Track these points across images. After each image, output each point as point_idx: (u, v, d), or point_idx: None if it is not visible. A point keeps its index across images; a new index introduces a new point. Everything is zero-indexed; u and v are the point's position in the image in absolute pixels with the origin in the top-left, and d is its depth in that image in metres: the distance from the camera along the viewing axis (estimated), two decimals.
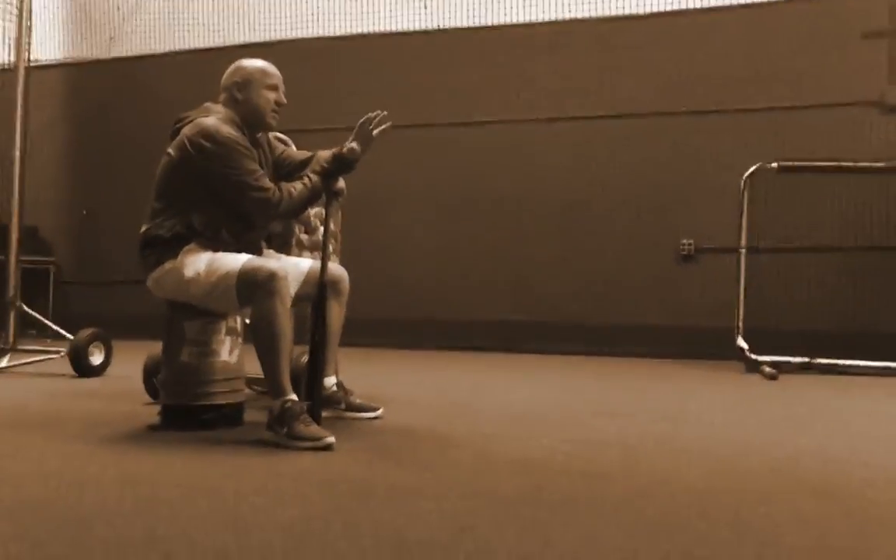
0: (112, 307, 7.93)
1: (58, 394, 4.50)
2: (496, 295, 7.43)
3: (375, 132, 3.52)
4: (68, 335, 5.43)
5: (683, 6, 7.01)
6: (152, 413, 3.55)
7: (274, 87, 3.46)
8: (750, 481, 2.63)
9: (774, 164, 6.32)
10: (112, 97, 8.65)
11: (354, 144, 3.46)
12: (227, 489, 2.40)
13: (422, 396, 4.49)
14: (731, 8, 6.89)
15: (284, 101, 3.49)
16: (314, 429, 3.04)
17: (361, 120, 3.51)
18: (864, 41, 6.55)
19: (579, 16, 7.30)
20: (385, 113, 3.53)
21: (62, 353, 5.30)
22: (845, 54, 6.60)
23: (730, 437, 3.40)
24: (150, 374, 4.03)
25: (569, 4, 7.33)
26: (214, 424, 3.33)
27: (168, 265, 3.28)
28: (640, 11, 7.13)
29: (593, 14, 7.26)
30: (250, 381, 3.96)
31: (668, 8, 7.05)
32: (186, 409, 3.35)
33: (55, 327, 5.76)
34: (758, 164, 6.32)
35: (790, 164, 6.33)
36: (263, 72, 3.47)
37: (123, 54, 8.62)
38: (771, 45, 6.78)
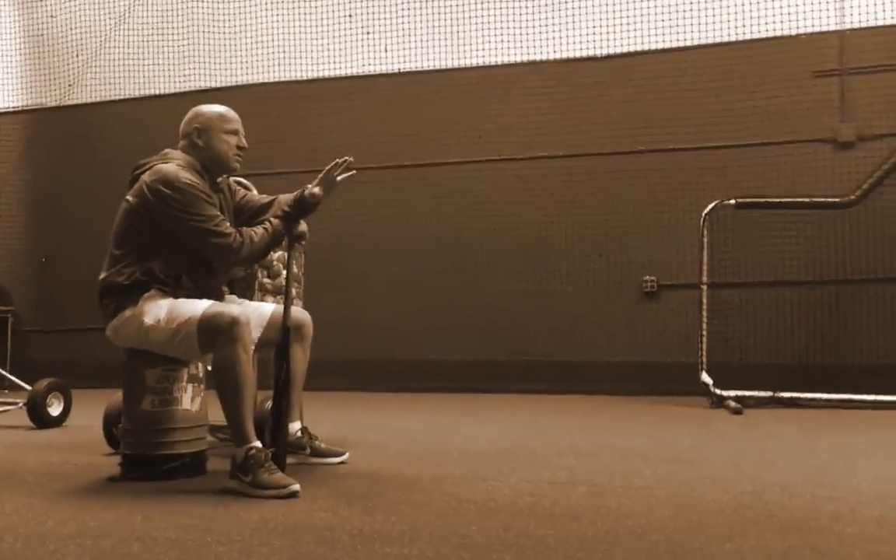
0: (72, 355, 7.79)
1: (15, 446, 4.40)
2: (460, 335, 7.40)
3: (340, 178, 3.53)
4: (26, 386, 5.32)
5: (640, 48, 7.12)
6: (112, 464, 3.49)
7: (234, 132, 3.46)
8: (717, 517, 2.63)
9: (732, 201, 6.43)
10: (71, 144, 8.56)
11: (317, 189, 3.46)
12: (190, 540, 2.36)
13: (387, 439, 4.46)
14: (687, 49, 7.00)
15: (245, 144, 3.50)
16: (278, 476, 3.00)
17: (328, 166, 3.51)
18: (816, 80, 6.70)
19: (538, 58, 7.39)
20: (351, 159, 3.53)
21: (20, 405, 5.19)
22: (798, 93, 6.74)
23: (696, 473, 3.41)
24: (110, 423, 3.95)
25: (527, 47, 7.42)
26: (176, 474, 3.27)
27: (127, 313, 3.24)
28: (599, 53, 7.23)
29: (552, 56, 7.35)
30: (213, 429, 3.90)
31: (626, 50, 7.16)
32: (147, 458, 3.29)
33: (12, 378, 5.65)
34: (716, 201, 6.43)
35: (748, 200, 6.45)
36: (222, 116, 3.47)
37: (82, 101, 8.55)
38: (726, 85, 6.89)
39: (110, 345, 3.39)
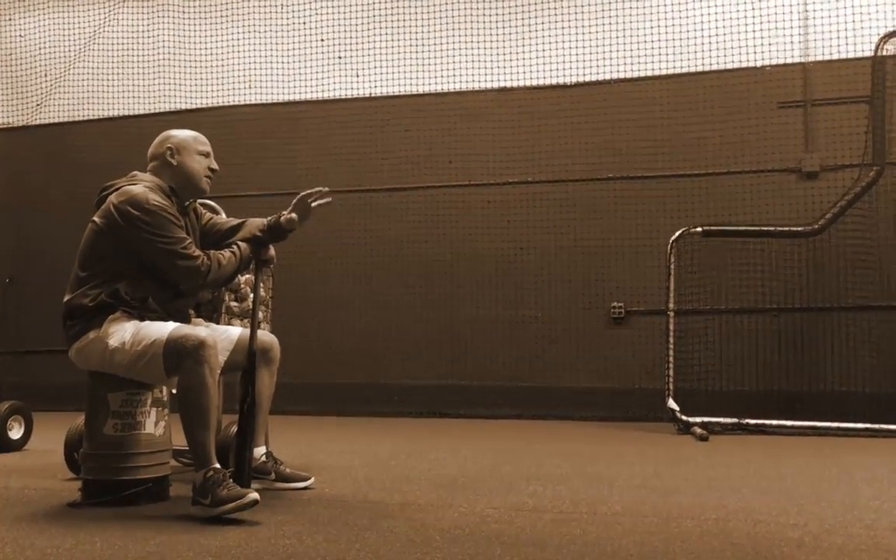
0: (35, 377, 7.68)
1: None
2: (429, 360, 7.40)
3: (314, 204, 3.53)
4: None
5: (609, 77, 7.21)
6: (73, 489, 3.43)
7: (206, 154, 3.50)
8: (682, 545, 2.64)
9: (699, 229, 6.50)
10: (37, 164, 8.48)
11: (293, 215, 3.46)
12: None
13: (354, 465, 4.43)
14: (655, 78, 7.10)
15: (216, 167, 3.51)
16: (236, 490, 2.98)
17: (301, 194, 3.52)
18: (781, 111, 6.82)
19: (508, 85, 7.45)
20: (326, 189, 3.55)
21: None
22: (764, 123, 6.85)
23: (662, 500, 3.42)
24: (71, 447, 3.89)
25: (498, 73, 7.47)
26: (138, 500, 3.23)
27: (92, 335, 3.21)
28: (568, 81, 7.30)
29: (522, 83, 7.41)
30: (177, 454, 3.86)
31: (594, 79, 7.24)
32: (109, 483, 3.24)
33: None
34: (683, 229, 6.50)
35: (714, 228, 6.53)
36: (196, 139, 3.50)
37: (50, 121, 8.48)
38: (694, 114, 6.98)
39: (74, 367, 3.35)
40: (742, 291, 6.73)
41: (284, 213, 3.48)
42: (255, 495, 2.96)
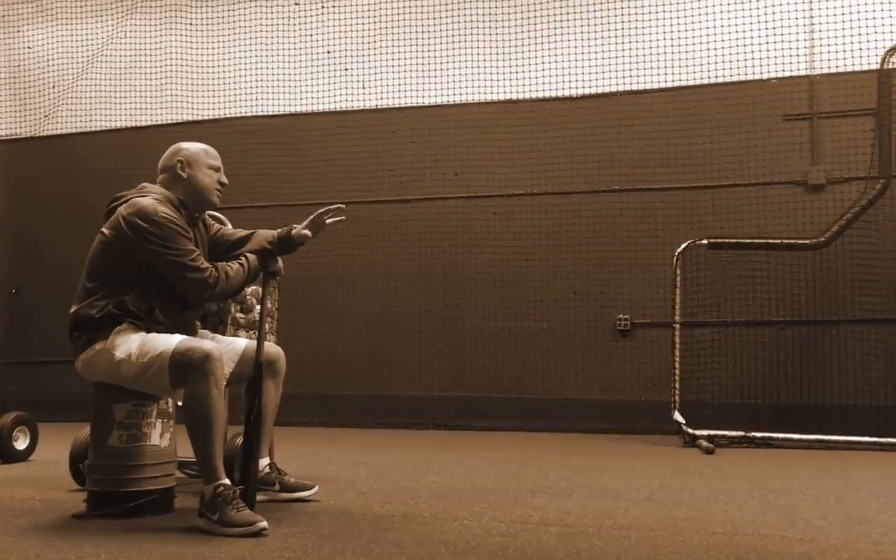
0: (41, 388, 7.69)
1: None
2: (434, 371, 7.39)
3: (329, 221, 3.54)
4: None
5: (615, 89, 7.21)
6: (78, 500, 3.43)
7: (217, 168, 3.51)
8: (688, 559, 2.62)
9: (705, 241, 6.49)
10: (45, 175, 8.50)
11: (305, 231, 3.47)
12: None
13: (360, 476, 4.42)
14: (661, 90, 7.09)
15: (226, 181, 3.52)
16: (246, 514, 2.97)
17: (320, 210, 3.52)
18: (787, 123, 6.81)
19: (514, 97, 7.46)
20: (343, 206, 3.55)
21: None
22: (770, 136, 6.84)
23: (667, 513, 3.41)
24: (76, 459, 3.89)
25: (504, 85, 7.48)
26: (143, 511, 3.22)
27: (98, 346, 3.21)
28: (573, 93, 7.31)
29: (528, 95, 7.42)
30: (182, 465, 3.86)
31: (601, 91, 7.25)
32: (114, 495, 3.24)
33: None
34: (689, 241, 6.48)
35: (720, 240, 6.51)
36: (206, 152, 3.52)
37: (57, 132, 8.51)
38: (699, 127, 6.98)
39: (79, 378, 3.35)
40: (748, 304, 6.71)
41: (297, 226, 3.48)
42: (263, 524, 2.93)
